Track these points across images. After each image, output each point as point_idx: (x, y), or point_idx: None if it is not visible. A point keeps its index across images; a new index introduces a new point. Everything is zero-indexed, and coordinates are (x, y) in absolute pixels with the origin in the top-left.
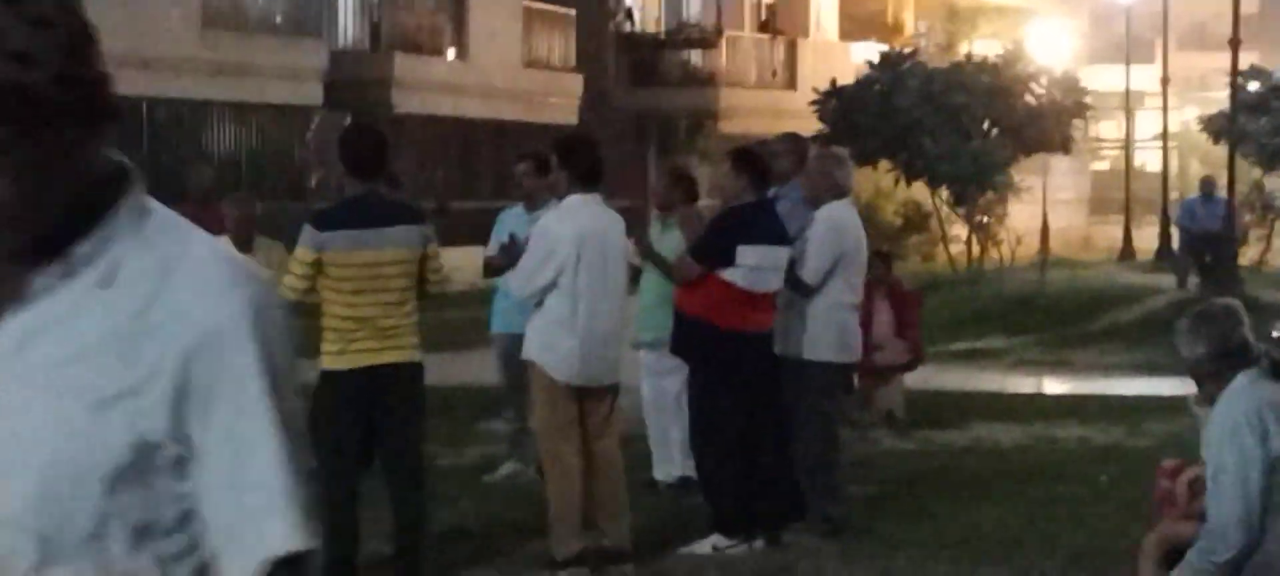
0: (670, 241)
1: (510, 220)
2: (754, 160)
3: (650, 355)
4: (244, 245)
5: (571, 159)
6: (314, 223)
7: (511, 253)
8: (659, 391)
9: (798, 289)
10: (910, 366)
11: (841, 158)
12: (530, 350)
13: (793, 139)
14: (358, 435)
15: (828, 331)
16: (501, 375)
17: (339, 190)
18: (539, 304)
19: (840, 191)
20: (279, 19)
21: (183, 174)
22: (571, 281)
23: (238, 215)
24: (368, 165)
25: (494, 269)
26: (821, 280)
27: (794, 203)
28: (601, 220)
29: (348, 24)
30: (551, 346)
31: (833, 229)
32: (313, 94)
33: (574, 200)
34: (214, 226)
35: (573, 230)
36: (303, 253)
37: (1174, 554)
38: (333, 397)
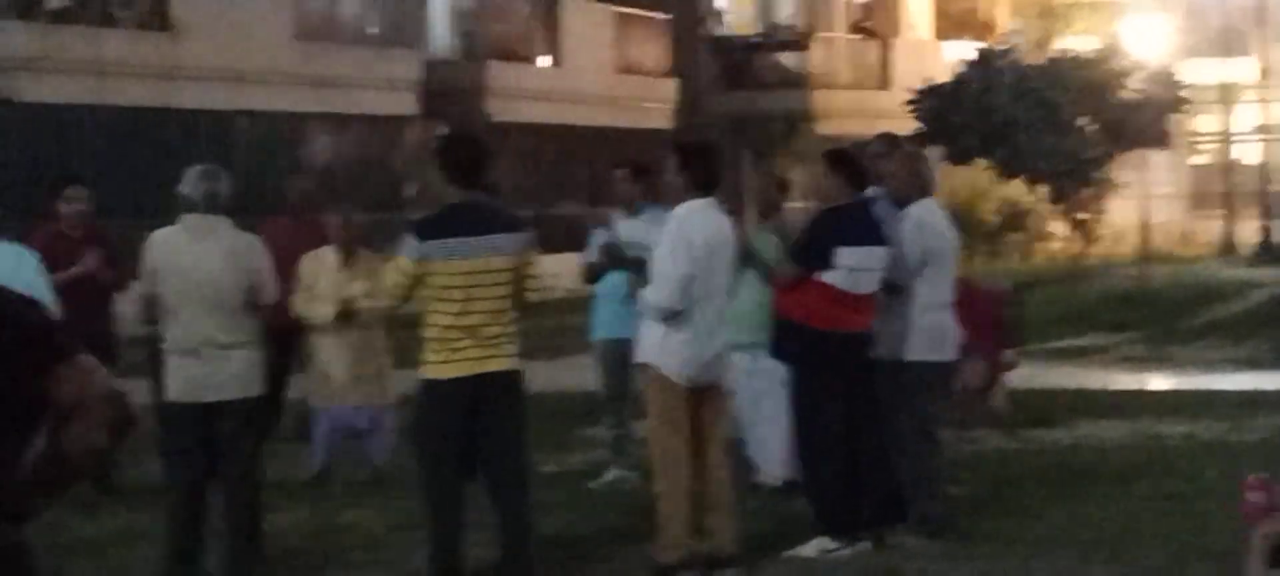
0: (766, 245)
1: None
2: (849, 160)
3: (744, 357)
4: (349, 255)
5: (693, 163)
6: (416, 232)
7: (610, 255)
8: (754, 393)
9: (891, 290)
10: (993, 370)
11: (924, 156)
12: (646, 351)
13: (889, 139)
14: (461, 444)
15: (921, 330)
16: (602, 381)
17: (436, 199)
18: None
19: (926, 189)
20: (372, 30)
21: (279, 187)
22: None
23: (344, 226)
24: (469, 173)
25: (592, 275)
26: (913, 279)
27: (887, 203)
28: (720, 225)
29: (441, 33)
30: (668, 347)
31: (920, 228)
32: (407, 104)
33: (696, 204)
34: (312, 239)
35: (701, 235)
36: (404, 262)
37: None
38: (436, 407)
